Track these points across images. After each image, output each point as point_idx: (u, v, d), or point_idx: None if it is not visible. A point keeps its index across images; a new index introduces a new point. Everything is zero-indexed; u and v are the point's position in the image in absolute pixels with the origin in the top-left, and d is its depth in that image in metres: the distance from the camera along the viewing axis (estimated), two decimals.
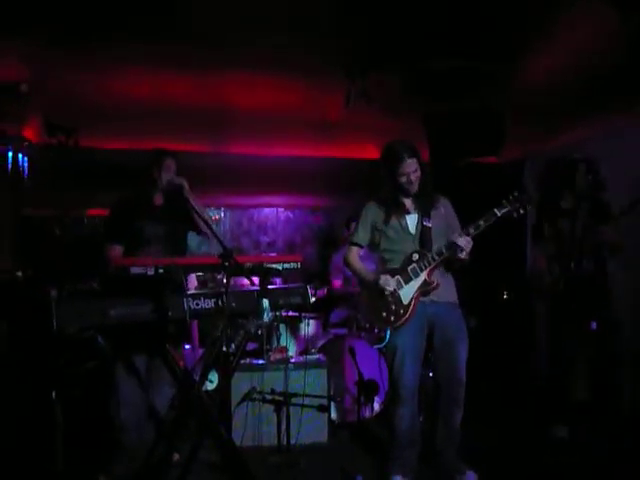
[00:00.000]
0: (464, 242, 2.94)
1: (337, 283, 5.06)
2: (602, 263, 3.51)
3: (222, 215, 6.29)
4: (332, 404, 4.09)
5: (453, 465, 3.15)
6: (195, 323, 4.20)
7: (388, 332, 3.06)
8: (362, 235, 3.27)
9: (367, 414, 4.07)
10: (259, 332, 4.24)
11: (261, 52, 3.98)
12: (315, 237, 6.30)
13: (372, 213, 3.23)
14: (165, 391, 3.24)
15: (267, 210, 6.37)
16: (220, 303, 2.84)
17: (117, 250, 3.25)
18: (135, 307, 2.60)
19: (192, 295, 2.79)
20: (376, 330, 3.13)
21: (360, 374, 3.94)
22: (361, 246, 3.29)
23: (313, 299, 4.43)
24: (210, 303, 2.82)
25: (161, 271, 2.58)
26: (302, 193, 6.22)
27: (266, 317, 2.82)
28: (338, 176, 5.75)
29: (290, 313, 4.47)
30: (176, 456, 3.23)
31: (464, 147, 4.96)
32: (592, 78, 4.07)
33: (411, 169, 3.05)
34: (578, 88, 4.28)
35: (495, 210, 2.96)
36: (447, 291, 3.15)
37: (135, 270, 2.52)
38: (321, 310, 4.79)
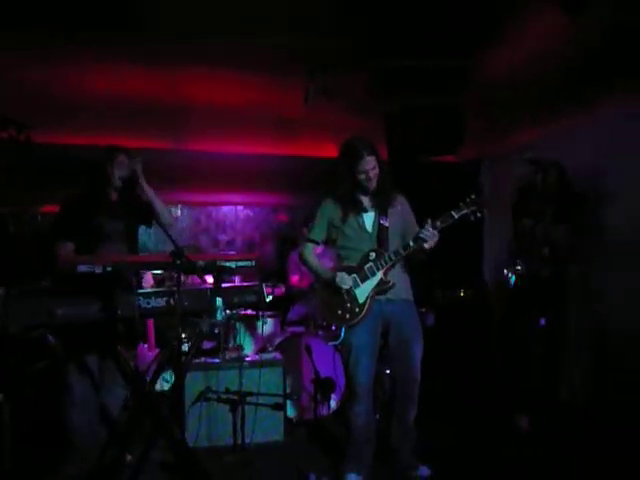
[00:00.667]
0: (428, 235, 2.95)
1: (294, 279, 5.06)
2: (561, 264, 3.54)
3: (180, 213, 6.21)
4: (289, 402, 4.09)
5: (407, 461, 3.18)
6: (151, 322, 4.15)
7: (343, 330, 3.06)
8: (318, 232, 3.25)
9: (324, 412, 4.07)
10: (216, 331, 4.22)
11: (221, 48, 3.95)
12: (274, 235, 6.28)
13: (329, 210, 3.21)
14: (117, 392, 3.18)
15: (226, 208, 6.32)
16: (172, 302, 2.81)
17: (68, 247, 3.16)
18: (83, 306, 2.56)
19: (143, 294, 2.75)
20: (333, 327, 3.11)
21: (316, 372, 3.94)
22: (317, 243, 3.29)
23: (270, 297, 4.46)
24: (162, 302, 2.79)
25: (109, 269, 2.53)
26: (262, 191, 6.20)
27: (220, 316, 2.81)
28: (298, 174, 5.74)
29: (248, 311, 4.44)
30: (129, 457, 3.18)
31: (423, 146, 5.01)
32: (546, 78, 4.16)
33: (370, 166, 3.05)
34: (533, 88, 4.36)
35: (452, 212, 2.97)
36: (403, 289, 3.17)
37: (82, 268, 2.47)
38: (279, 308, 4.77)
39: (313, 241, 3.28)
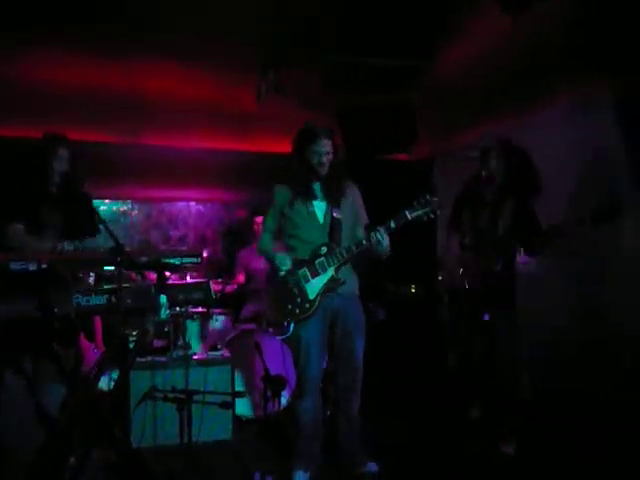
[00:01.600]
0: (380, 237, 2.91)
1: (240, 278, 5.03)
2: (511, 260, 3.52)
3: (131, 208, 6.09)
4: (242, 400, 4.06)
5: (355, 458, 3.17)
6: (98, 320, 4.06)
7: (292, 324, 3.04)
8: (270, 220, 3.21)
9: (275, 409, 4.05)
10: (165, 329, 4.16)
11: (176, 43, 3.87)
12: (226, 232, 6.22)
13: (280, 196, 3.16)
14: (55, 391, 3.08)
15: (178, 204, 6.23)
16: (113, 299, 2.74)
17: (18, 229, 3.02)
18: (18, 304, 2.47)
19: (82, 291, 2.68)
20: (285, 323, 3.08)
21: (266, 369, 3.92)
22: (272, 231, 3.23)
23: (219, 295, 4.42)
24: (102, 299, 2.72)
25: (44, 267, 2.45)
26: (215, 187, 6.12)
27: (164, 314, 2.76)
28: (252, 170, 5.69)
29: (199, 309, 4.38)
30: (72, 459, 3.10)
31: (376, 143, 5.03)
32: (496, 76, 4.22)
33: (325, 149, 3.02)
34: (484, 86, 4.42)
35: (406, 212, 2.93)
36: (351, 284, 3.15)
37: (15, 266, 2.39)
38: (231, 306, 4.72)
39: (268, 230, 3.23)
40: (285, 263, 3.03)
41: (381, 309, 5.09)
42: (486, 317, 3.32)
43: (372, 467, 3.16)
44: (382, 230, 2.93)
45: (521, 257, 3.47)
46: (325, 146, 3.02)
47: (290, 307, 3.04)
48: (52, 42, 3.85)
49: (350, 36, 3.99)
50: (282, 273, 3.04)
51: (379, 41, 4.05)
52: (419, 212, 2.92)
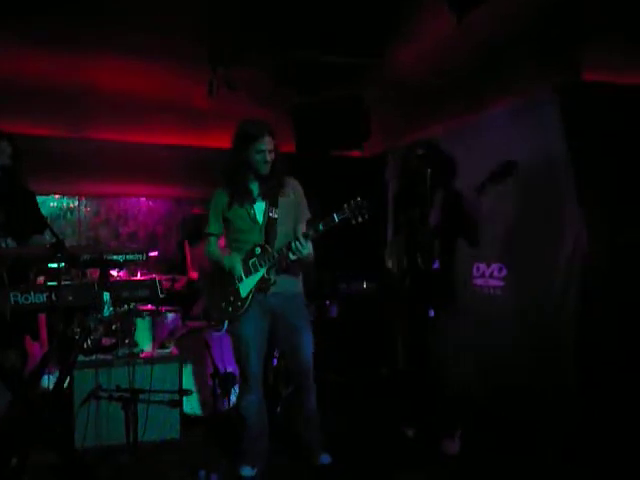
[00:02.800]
0: (300, 245, 2.92)
1: (194, 275, 4.98)
2: (449, 256, 3.54)
3: (79, 204, 5.95)
4: (192, 398, 4.02)
5: (310, 449, 3.22)
6: (43, 319, 3.96)
7: (226, 322, 3.07)
8: (214, 223, 3.20)
9: (224, 407, 4.03)
10: (113, 327, 4.08)
11: (127, 35, 3.80)
12: (177, 228, 6.15)
13: (221, 200, 3.15)
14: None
15: (128, 199, 6.12)
16: (53, 297, 2.68)
17: None
18: None
19: (19, 289, 2.61)
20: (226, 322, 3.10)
21: (215, 366, 3.89)
22: (217, 235, 3.23)
23: (167, 292, 4.36)
24: (42, 297, 2.65)
25: None
26: (166, 183, 6.04)
27: (107, 311, 2.72)
28: (204, 166, 5.63)
29: (148, 306, 4.32)
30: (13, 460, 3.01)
31: (329, 140, 5.04)
32: (449, 74, 4.28)
33: (268, 147, 3.01)
34: (436, 85, 4.48)
35: (334, 215, 2.93)
36: (288, 282, 3.15)
37: None
38: (181, 303, 4.68)
39: (211, 234, 3.23)
40: (237, 269, 3.05)
41: (333, 306, 5.12)
42: (431, 313, 3.36)
43: (325, 459, 3.21)
44: (302, 239, 2.94)
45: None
46: (268, 144, 3.01)
47: (224, 305, 3.09)
48: (4, 31, 3.73)
49: (303, 33, 3.99)
50: (229, 285, 3.06)
51: (331, 38, 4.06)
52: (347, 215, 2.92)
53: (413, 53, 4.14)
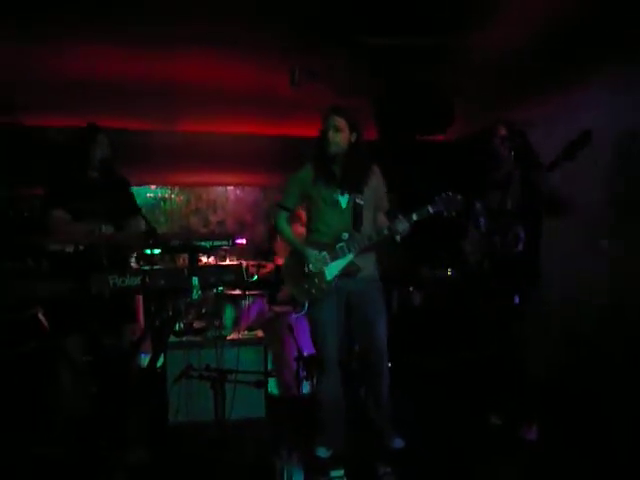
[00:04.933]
0: (401, 228, 2.99)
1: (281, 261, 5.08)
2: (535, 239, 3.42)
3: (171, 194, 6.25)
4: (274, 380, 4.16)
5: (383, 432, 3.25)
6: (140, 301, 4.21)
7: (307, 303, 3.12)
8: (291, 197, 3.24)
9: (308, 389, 4.13)
10: (202, 310, 4.28)
11: (210, 29, 3.93)
12: (265, 216, 6.30)
13: (307, 175, 3.18)
14: None
15: (217, 188, 6.34)
16: (147, 280, 2.85)
17: (60, 213, 3.13)
18: (56, 284, 2.60)
19: (118, 272, 2.79)
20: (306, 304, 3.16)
21: (299, 350, 4.00)
22: (288, 210, 3.26)
23: (255, 277, 4.51)
24: (136, 280, 2.83)
25: (81, 248, 2.58)
26: (253, 171, 6.21)
27: (196, 295, 2.85)
28: (289, 154, 5.74)
29: (236, 291, 4.49)
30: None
31: (412, 125, 4.99)
32: (534, 56, 4.13)
33: (333, 123, 3.03)
34: (522, 65, 4.33)
35: (428, 207, 3.00)
36: (368, 268, 3.18)
37: (53, 247, 2.52)
38: (266, 287, 4.81)
39: (284, 208, 3.26)
40: (315, 261, 3.08)
41: (417, 294, 5.09)
42: (516, 300, 3.28)
43: (398, 443, 3.24)
44: (403, 219, 2.99)
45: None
46: (334, 121, 3.03)
47: (307, 286, 3.11)
48: (95, 35, 3.97)
49: (382, 17, 3.97)
50: (312, 268, 3.09)
51: (412, 20, 4.01)
52: (440, 208, 2.99)
53: (497, 34, 4.02)
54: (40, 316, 3.63)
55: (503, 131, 3.43)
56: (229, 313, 4.42)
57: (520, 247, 3.29)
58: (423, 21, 4.00)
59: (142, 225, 3.09)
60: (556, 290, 4.06)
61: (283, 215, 3.26)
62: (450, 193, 2.98)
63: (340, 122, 3.03)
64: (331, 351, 3.14)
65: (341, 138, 3.04)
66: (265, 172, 6.24)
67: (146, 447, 3.20)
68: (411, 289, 5.19)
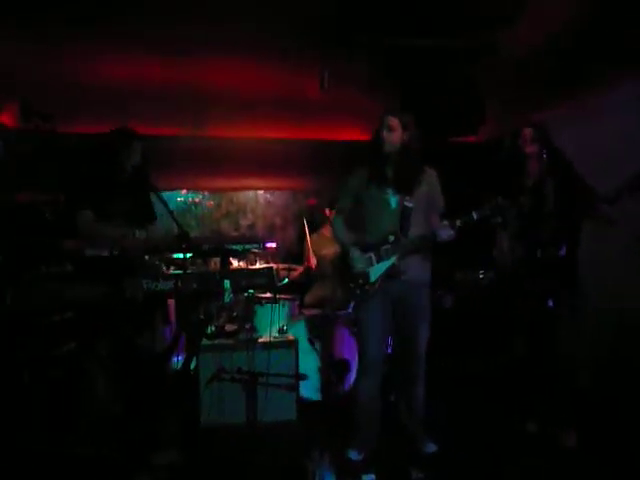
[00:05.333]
0: (446, 235, 2.99)
1: (312, 263, 5.08)
2: (573, 245, 3.37)
3: (202, 198, 6.31)
4: (308, 383, 4.15)
5: (416, 436, 3.25)
6: (172, 304, 4.26)
7: (352, 304, 3.13)
8: (346, 199, 3.27)
9: (340, 392, 4.12)
10: (234, 314, 4.30)
11: (239, 35, 3.98)
12: (295, 219, 6.32)
13: (356, 180, 3.22)
14: None
15: (247, 193, 6.38)
16: (180, 284, 2.90)
17: (87, 215, 3.16)
18: (90, 288, 2.65)
19: (151, 276, 2.84)
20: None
21: (330, 354, 4.00)
22: (345, 211, 3.30)
23: (285, 280, 4.52)
24: (169, 284, 2.88)
25: (116, 252, 2.62)
26: (282, 176, 6.24)
27: (227, 297, 2.88)
28: (318, 158, 5.77)
29: (267, 294, 4.50)
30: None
31: (443, 126, 4.95)
32: (564, 56, 4.07)
33: (387, 124, 3.06)
34: (552, 66, 4.28)
35: (473, 213, 3.00)
36: (416, 271, 3.15)
37: (89, 252, 2.57)
38: (297, 291, 4.81)
39: (342, 211, 3.30)
40: (360, 262, 3.09)
41: (448, 297, 5.04)
42: (550, 304, 3.22)
43: (431, 447, 3.23)
44: (447, 226, 2.99)
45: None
46: (387, 120, 3.06)
47: (352, 286, 3.12)
48: (127, 43, 4.06)
49: (413, 18, 3.96)
50: (356, 269, 3.10)
51: (443, 22, 3.99)
52: (487, 214, 2.99)
53: (528, 34, 3.97)
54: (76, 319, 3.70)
55: (533, 134, 3.37)
56: (260, 316, 4.40)
57: (562, 252, 3.25)
58: (454, 22, 3.98)
59: (161, 231, 3.14)
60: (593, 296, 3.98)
61: (338, 218, 3.31)
62: (500, 199, 2.97)
63: (393, 121, 3.06)
64: (373, 352, 3.14)
65: (394, 137, 3.06)
66: (295, 176, 6.27)
67: (179, 449, 3.24)
68: (441, 292, 5.14)
